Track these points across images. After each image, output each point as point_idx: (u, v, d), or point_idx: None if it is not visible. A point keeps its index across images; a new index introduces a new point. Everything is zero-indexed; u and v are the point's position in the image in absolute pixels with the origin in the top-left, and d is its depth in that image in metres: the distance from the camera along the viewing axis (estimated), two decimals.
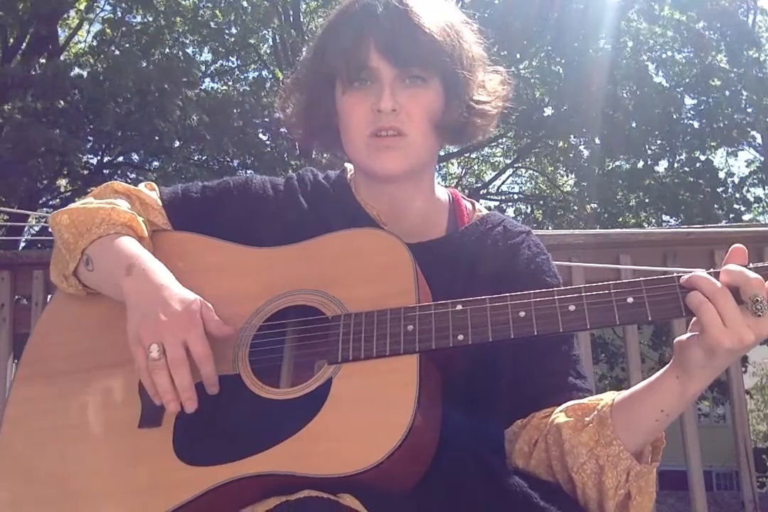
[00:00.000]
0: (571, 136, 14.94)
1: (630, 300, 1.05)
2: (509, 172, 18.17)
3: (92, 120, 11.53)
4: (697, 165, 14.83)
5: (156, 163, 13.75)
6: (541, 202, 17.53)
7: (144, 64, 12.46)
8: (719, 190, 14.85)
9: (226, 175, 1.53)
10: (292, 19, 14.87)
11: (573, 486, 1.14)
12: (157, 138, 11.83)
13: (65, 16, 14.04)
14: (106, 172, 13.81)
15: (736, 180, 15.42)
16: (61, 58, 13.09)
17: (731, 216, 14.41)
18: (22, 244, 10.89)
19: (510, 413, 1.25)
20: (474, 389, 1.20)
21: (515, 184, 18.79)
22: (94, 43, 14.24)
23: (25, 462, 1.21)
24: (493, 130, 1.40)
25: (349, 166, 1.45)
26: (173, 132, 11.70)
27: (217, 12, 14.14)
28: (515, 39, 12.71)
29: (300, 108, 1.37)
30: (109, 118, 11.44)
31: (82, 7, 13.98)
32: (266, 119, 13.22)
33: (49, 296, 2.56)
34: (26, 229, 10.26)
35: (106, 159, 14.13)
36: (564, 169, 16.09)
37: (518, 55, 13.79)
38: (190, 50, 14.82)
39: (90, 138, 12.72)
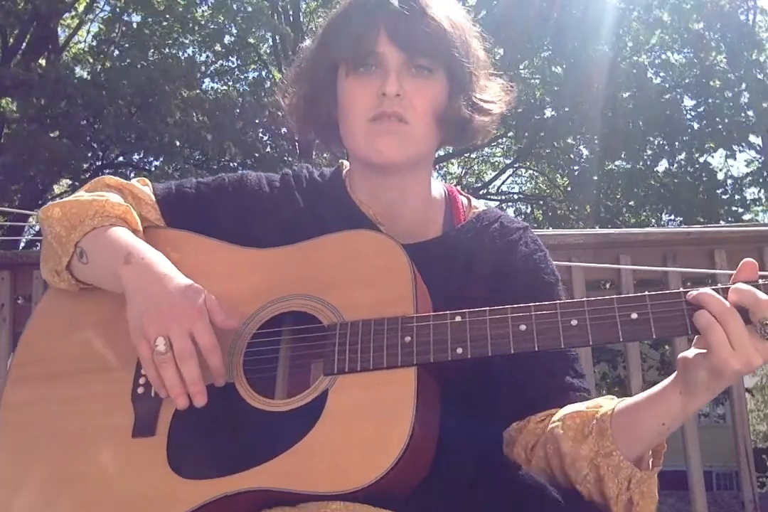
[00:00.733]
0: (571, 138, 14.93)
1: (634, 316, 1.01)
2: (509, 172, 18.18)
3: (93, 122, 11.52)
4: (696, 166, 14.82)
5: (156, 164, 13.74)
6: (541, 202, 17.53)
7: (144, 65, 12.44)
8: (718, 191, 14.84)
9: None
10: (292, 19, 14.86)
11: (579, 493, 1.13)
12: (157, 138, 11.82)
13: (65, 16, 14.03)
14: (106, 171, 13.81)
15: (736, 182, 15.40)
16: (61, 58, 13.07)
17: (730, 219, 14.39)
18: (22, 244, 10.90)
19: (508, 414, 1.24)
20: (472, 391, 1.19)
21: (515, 184, 18.81)
22: (94, 44, 14.25)
23: (16, 470, 1.17)
24: (492, 133, 1.39)
25: (345, 163, 1.43)
26: (175, 135, 11.69)
27: (213, 13, 14.14)
28: (516, 40, 12.70)
29: (300, 94, 1.35)
30: (109, 119, 11.44)
31: (81, 7, 13.98)
32: (266, 119, 13.21)
33: None
34: (26, 228, 10.27)
35: (106, 159, 14.12)
36: (564, 169, 16.07)
37: (518, 56, 13.79)
38: (189, 50, 14.84)
39: (89, 138, 12.71)
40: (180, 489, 1.05)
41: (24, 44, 13.36)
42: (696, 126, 15.09)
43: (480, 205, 1.42)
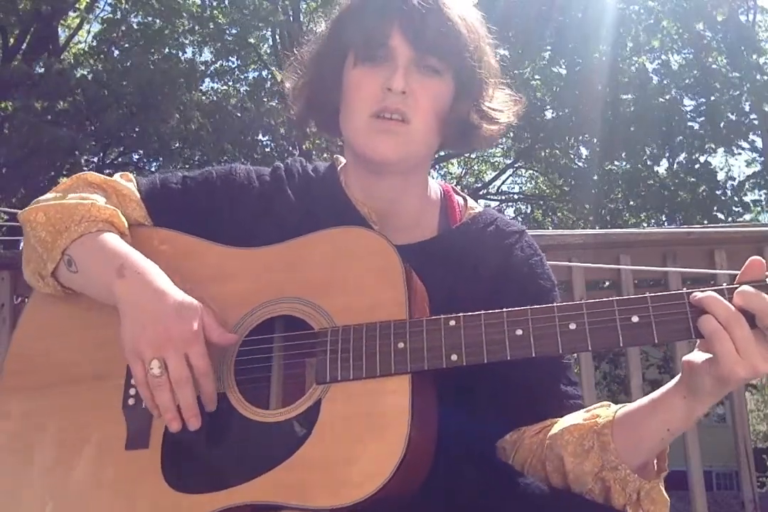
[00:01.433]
0: (572, 139, 14.92)
1: (635, 319, 0.97)
2: (509, 172, 18.17)
3: (94, 121, 11.51)
4: (696, 166, 14.80)
5: (156, 164, 13.74)
6: (541, 202, 17.53)
7: (144, 65, 12.44)
8: (718, 192, 14.82)
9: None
10: (291, 19, 14.85)
11: (583, 496, 1.11)
12: (157, 138, 11.82)
13: (65, 16, 14.03)
14: (106, 172, 13.80)
15: (735, 183, 15.38)
16: (62, 58, 13.07)
17: (729, 219, 14.38)
18: (22, 244, 10.87)
19: (502, 417, 1.22)
20: (462, 388, 1.17)
21: (515, 184, 18.80)
22: (94, 44, 14.25)
23: (10, 483, 1.15)
24: (496, 142, 1.38)
25: (340, 158, 1.40)
26: (175, 133, 11.69)
27: (217, 12, 14.13)
28: (516, 40, 12.70)
29: (306, 79, 1.33)
30: (110, 119, 11.43)
31: (82, 7, 13.98)
32: (266, 120, 13.21)
33: None
34: None
35: (106, 159, 14.12)
36: (564, 169, 16.06)
37: (520, 52, 13.77)
38: (189, 50, 14.84)
39: (92, 138, 12.71)
40: (175, 503, 1.04)
41: (24, 44, 13.36)
42: (696, 126, 15.09)
43: (476, 205, 1.40)
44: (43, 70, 11.80)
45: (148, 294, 1.10)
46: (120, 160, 14.18)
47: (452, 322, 1.04)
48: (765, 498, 3.53)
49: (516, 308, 1.03)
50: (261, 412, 1.07)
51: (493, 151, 17.68)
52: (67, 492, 1.11)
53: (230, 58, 15.39)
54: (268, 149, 13.98)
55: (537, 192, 18.04)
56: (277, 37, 14.94)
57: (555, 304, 1.03)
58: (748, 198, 15.17)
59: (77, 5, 13.74)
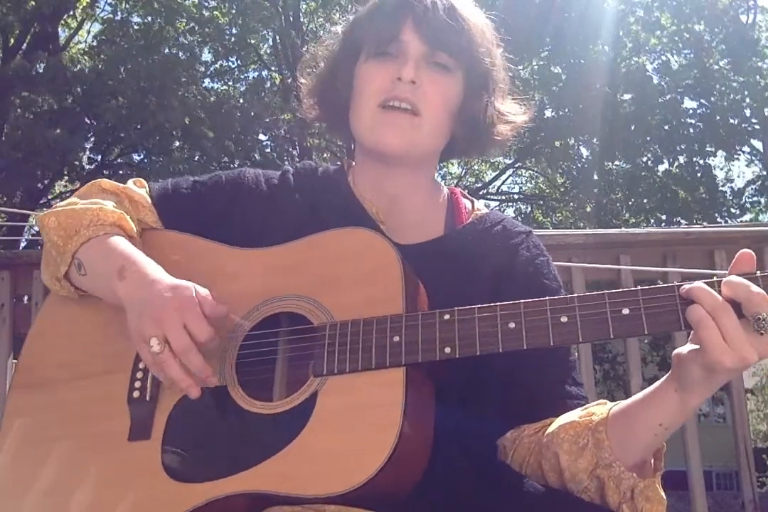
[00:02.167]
0: (572, 139, 14.93)
1: (626, 311, 0.98)
2: (509, 172, 18.19)
3: (92, 118, 11.51)
4: (696, 168, 14.80)
5: (156, 164, 13.74)
6: (541, 202, 17.54)
7: (144, 65, 12.45)
8: (717, 195, 14.82)
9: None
10: (291, 19, 14.87)
11: (579, 497, 1.11)
12: (158, 138, 11.82)
13: (66, 16, 14.04)
14: (106, 172, 13.80)
15: (735, 187, 15.38)
16: (62, 57, 13.07)
17: (728, 220, 14.38)
18: (23, 244, 10.89)
19: (504, 417, 1.22)
20: (469, 394, 1.18)
21: (515, 184, 18.82)
22: (94, 44, 14.25)
23: (18, 476, 1.19)
24: (505, 146, 1.40)
25: (350, 161, 1.42)
26: (172, 128, 11.69)
27: (217, 13, 14.14)
28: (516, 40, 12.70)
29: (319, 76, 1.36)
30: (109, 115, 11.44)
31: (82, 6, 13.99)
32: (266, 120, 13.22)
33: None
34: (26, 229, 10.25)
35: (106, 159, 14.12)
36: (563, 169, 16.07)
37: (518, 58, 13.79)
38: (189, 50, 14.82)
39: (91, 135, 12.71)
40: (173, 492, 1.06)
41: (25, 44, 13.37)
42: (696, 128, 15.08)
43: (483, 207, 1.41)
44: (42, 68, 11.79)
45: (145, 288, 1.13)
46: (120, 159, 14.17)
47: (447, 316, 1.06)
48: (765, 498, 3.53)
49: (509, 302, 1.05)
50: (259, 404, 1.09)
51: (500, 149, 17.67)
52: (72, 483, 1.14)
53: (230, 58, 15.40)
54: (268, 149, 13.99)
55: (537, 192, 18.05)
56: (277, 37, 14.94)
57: (547, 298, 1.04)
58: (748, 202, 15.17)
59: (77, 5, 13.75)
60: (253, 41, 15.19)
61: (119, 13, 13.86)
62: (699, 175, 14.69)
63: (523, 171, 18.22)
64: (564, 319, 1.01)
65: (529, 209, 17.87)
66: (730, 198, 15.07)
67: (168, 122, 11.77)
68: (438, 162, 1.41)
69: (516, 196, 18.50)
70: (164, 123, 11.69)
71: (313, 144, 13.34)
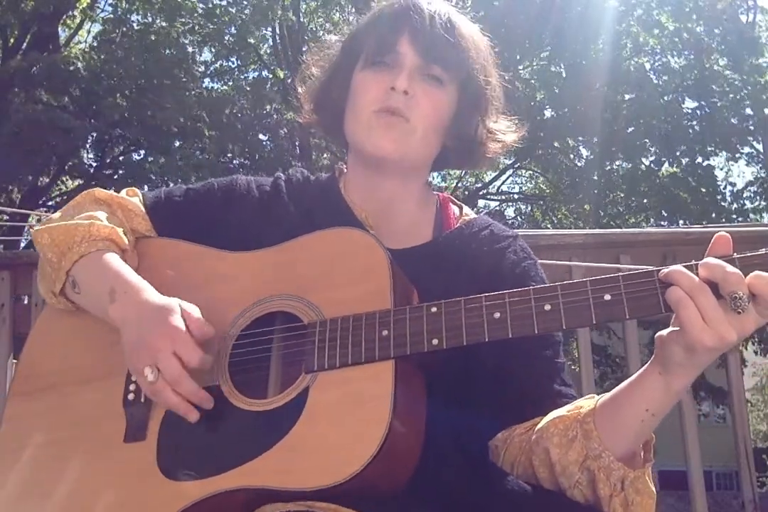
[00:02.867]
0: (571, 140, 14.94)
1: (607, 297, 1.00)
2: (509, 172, 18.18)
3: (92, 117, 11.51)
4: (698, 171, 14.78)
5: (156, 164, 13.74)
6: (541, 202, 17.54)
7: (144, 65, 12.45)
8: (718, 197, 14.81)
9: (227, 175, 1.51)
10: (292, 19, 14.86)
11: (569, 497, 1.12)
12: (158, 137, 11.82)
13: (66, 16, 14.05)
14: (106, 172, 13.81)
15: (735, 189, 15.36)
16: (62, 56, 13.07)
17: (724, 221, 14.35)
18: (22, 244, 10.90)
19: (495, 416, 1.23)
20: (456, 384, 1.19)
21: (515, 184, 18.82)
22: (95, 44, 14.26)
23: (18, 479, 1.21)
24: (496, 163, 1.42)
25: (342, 167, 1.45)
26: (172, 127, 11.69)
27: (217, 12, 14.14)
28: (515, 40, 12.71)
29: (317, 83, 1.39)
30: (108, 113, 11.45)
31: (82, 7, 13.99)
32: (266, 120, 13.22)
33: None
34: (26, 228, 10.25)
35: (106, 159, 14.13)
36: (563, 169, 16.07)
37: (518, 57, 13.80)
38: (189, 50, 14.83)
39: (90, 135, 12.71)
40: (167, 491, 1.07)
41: (25, 44, 13.38)
42: (697, 128, 15.08)
43: (471, 213, 1.43)
44: (41, 68, 11.78)
45: (134, 311, 1.16)
46: (121, 159, 14.17)
47: (434, 309, 1.08)
48: (765, 498, 3.53)
49: (494, 293, 1.06)
50: (252, 402, 1.11)
51: (491, 163, 17.66)
52: (68, 485, 1.15)
53: (230, 58, 15.41)
54: (268, 149, 13.99)
55: (537, 192, 18.05)
56: (277, 37, 14.95)
57: (531, 288, 1.06)
58: (749, 203, 15.16)
59: (78, 5, 13.76)
60: (253, 41, 15.19)
61: (119, 12, 13.86)
62: (699, 175, 14.68)
63: (523, 171, 18.21)
64: (548, 307, 1.03)
65: (529, 209, 17.88)
66: (730, 199, 15.07)
67: (168, 122, 11.77)
68: (430, 171, 1.43)
69: (516, 196, 18.51)
70: (164, 122, 11.69)
71: (313, 144, 13.34)
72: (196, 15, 13.93)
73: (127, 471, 1.12)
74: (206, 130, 12.37)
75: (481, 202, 17.39)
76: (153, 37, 13.42)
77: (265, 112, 13.31)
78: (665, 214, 15.14)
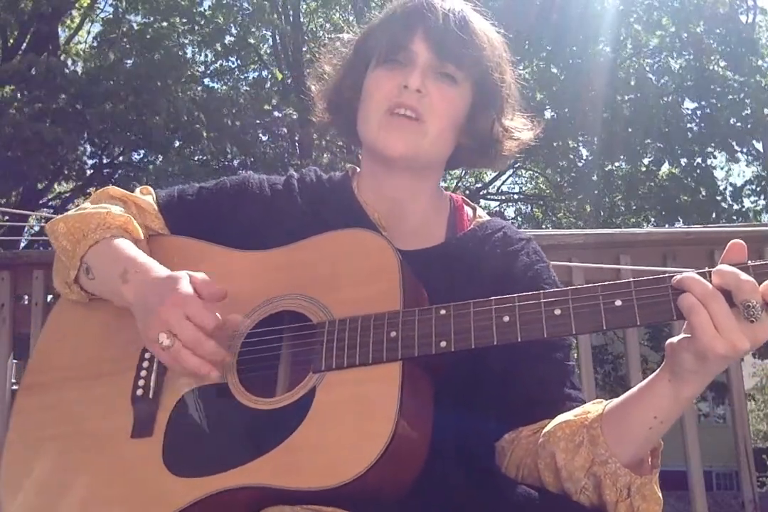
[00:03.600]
0: (570, 141, 14.92)
1: (618, 303, 0.99)
2: (509, 172, 18.17)
3: (90, 117, 11.50)
4: (698, 171, 14.77)
5: (156, 163, 13.73)
6: (541, 202, 17.53)
7: (143, 65, 12.44)
8: (718, 198, 14.79)
9: (226, 175, 1.52)
10: (292, 19, 14.86)
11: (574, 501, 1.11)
12: (157, 137, 11.81)
13: (66, 16, 14.04)
14: (106, 172, 13.80)
15: (735, 189, 15.33)
16: (61, 57, 13.07)
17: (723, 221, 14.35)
18: (22, 244, 10.89)
19: (502, 419, 1.23)
20: (465, 387, 1.18)
21: (515, 184, 18.80)
22: (95, 44, 14.25)
23: (25, 472, 1.21)
24: (509, 161, 1.42)
25: (355, 167, 1.44)
26: (172, 127, 11.69)
27: (217, 13, 14.13)
28: (515, 40, 12.70)
29: (330, 81, 1.39)
30: (107, 113, 11.44)
31: (82, 8, 13.99)
32: (266, 120, 13.21)
33: (50, 296, 2.57)
34: (26, 229, 10.26)
35: (105, 159, 14.11)
36: (563, 169, 16.06)
37: (518, 57, 13.79)
38: (189, 50, 14.84)
39: (89, 135, 12.70)
40: (172, 487, 1.07)
41: (25, 44, 13.37)
42: (696, 129, 15.07)
43: (485, 215, 1.43)
44: (41, 68, 11.77)
45: (146, 288, 1.16)
46: (121, 159, 14.16)
47: (443, 311, 1.07)
48: (765, 498, 3.53)
49: (504, 296, 1.06)
50: (259, 401, 1.11)
51: (506, 162, 17.63)
52: (75, 479, 1.16)
53: (230, 57, 15.40)
54: (268, 149, 13.98)
55: (537, 192, 18.04)
56: (277, 37, 14.94)
57: (541, 292, 1.05)
58: (747, 202, 15.15)
59: (78, 5, 13.75)
60: (253, 41, 15.18)
61: (119, 12, 13.85)
62: (699, 175, 14.67)
63: (523, 171, 18.20)
64: (557, 312, 1.02)
65: (529, 209, 17.87)
66: (730, 199, 15.05)
67: (167, 122, 11.76)
68: (444, 170, 1.43)
69: (516, 196, 18.50)
70: (163, 122, 11.68)
71: (313, 144, 13.34)
72: (195, 14, 13.91)
73: (132, 466, 1.13)
74: (205, 131, 12.36)
75: (481, 202, 17.37)
76: (152, 37, 13.41)
77: (264, 111, 13.30)
78: (665, 214, 15.12)
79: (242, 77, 15.86)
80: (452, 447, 1.13)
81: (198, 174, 11.24)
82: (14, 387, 2.55)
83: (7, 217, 11.77)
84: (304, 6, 15.65)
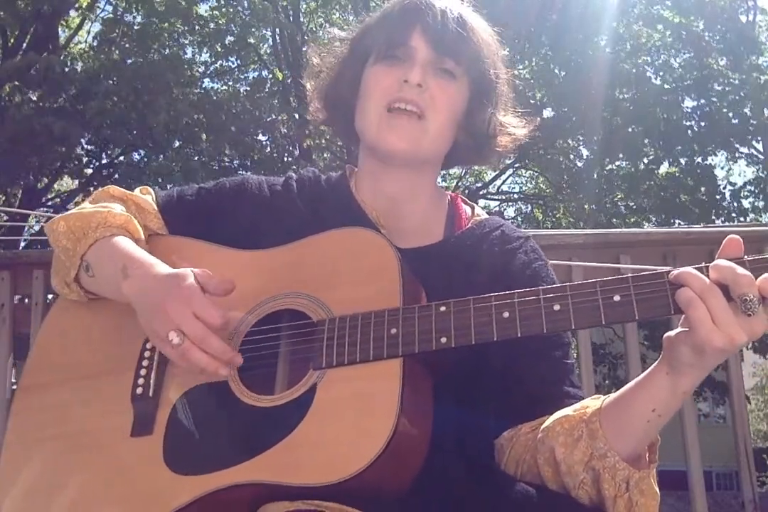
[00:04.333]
0: (571, 139, 14.92)
1: (617, 298, 1.01)
2: (509, 172, 18.17)
3: (90, 117, 11.50)
4: (698, 171, 14.77)
5: (156, 164, 13.72)
6: (541, 202, 17.53)
7: (143, 64, 12.44)
8: (717, 197, 14.80)
9: (225, 176, 1.52)
10: (292, 19, 14.86)
11: (572, 498, 1.12)
12: (157, 137, 11.82)
13: (66, 15, 14.04)
14: (105, 172, 13.80)
15: (735, 188, 15.33)
16: (61, 57, 13.06)
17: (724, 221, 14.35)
18: (22, 244, 10.89)
19: (502, 416, 1.23)
20: (465, 385, 1.19)
21: (515, 184, 18.81)
22: (95, 44, 14.25)
23: (24, 472, 1.21)
24: (504, 157, 1.43)
25: (353, 167, 1.44)
26: (171, 127, 11.68)
27: (217, 12, 14.14)
28: (515, 40, 12.71)
29: (327, 79, 1.39)
30: (107, 113, 11.45)
31: (82, 8, 13.98)
32: (265, 120, 13.21)
33: (50, 296, 2.56)
34: (26, 228, 10.27)
35: (106, 159, 14.11)
36: (563, 168, 16.06)
37: (518, 56, 13.79)
38: (189, 50, 14.84)
39: (88, 135, 12.71)
40: (173, 485, 1.08)
41: (25, 44, 13.37)
42: (696, 128, 15.07)
43: (483, 213, 1.43)
44: (40, 68, 11.77)
45: (148, 284, 1.16)
46: (121, 158, 14.16)
47: (443, 308, 1.08)
48: (765, 498, 3.53)
49: (503, 293, 1.07)
50: (260, 398, 1.12)
51: (501, 158, 17.63)
52: (75, 477, 1.16)
53: (230, 57, 15.39)
54: (267, 150, 13.97)
55: (537, 192, 18.04)
56: (277, 37, 14.94)
57: (540, 288, 1.06)
58: (746, 202, 15.15)
59: (77, 5, 13.74)
60: (253, 41, 15.18)
61: (119, 13, 13.85)
62: (698, 175, 14.67)
63: (523, 171, 18.20)
64: (557, 307, 1.03)
65: (529, 209, 17.86)
66: (730, 199, 15.06)
67: (167, 122, 11.76)
68: (440, 169, 1.44)
69: (516, 196, 18.50)
70: (163, 122, 11.68)
71: (313, 144, 13.34)
72: (195, 17, 13.92)
73: (133, 464, 1.13)
74: (204, 131, 12.36)
75: (481, 202, 17.36)
76: (152, 37, 13.41)
77: (264, 111, 13.30)
78: (664, 214, 15.12)
79: (242, 77, 15.86)
80: (452, 444, 1.14)
81: (198, 174, 11.24)
82: (14, 387, 2.55)
83: (6, 217, 11.77)
84: (304, 6, 15.65)
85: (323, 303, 1.15)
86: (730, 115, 14.42)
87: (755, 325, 0.96)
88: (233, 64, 15.73)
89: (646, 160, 15.37)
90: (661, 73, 15.19)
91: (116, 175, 13.39)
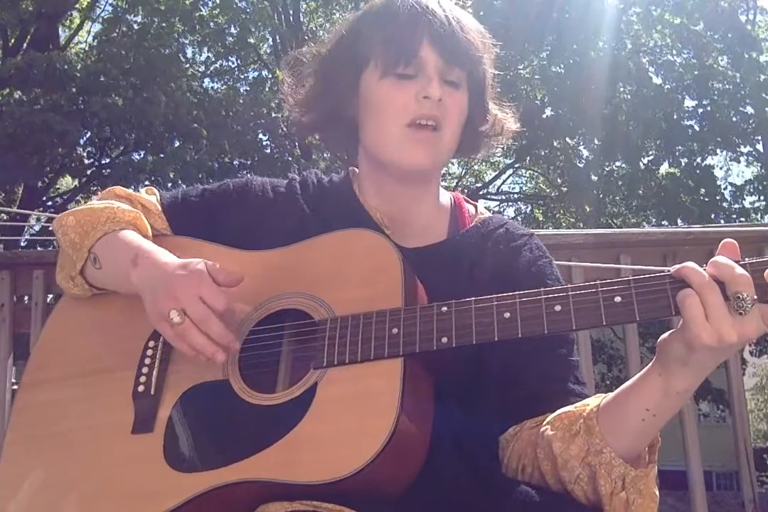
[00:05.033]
0: (570, 138, 14.92)
1: (618, 299, 1.01)
2: (509, 172, 18.18)
3: (90, 117, 11.50)
4: (698, 171, 14.77)
5: (155, 163, 13.71)
6: (541, 202, 17.54)
7: (143, 64, 12.44)
8: (717, 198, 14.79)
9: (225, 176, 1.52)
10: (291, 19, 14.86)
11: (570, 497, 1.12)
12: (157, 137, 11.82)
13: (66, 16, 14.04)
14: (105, 172, 13.79)
15: (735, 189, 15.33)
16: (60, 57, 13.06)
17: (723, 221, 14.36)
18: (23, 244, 10.89)
19: (505, 414, 1.23)
20: (463, 386, 1.19)
21: (515, 184, 18.82)
22: (95, 44, 14.25)
23: (25, 469, 1.22)
24: (495, 148, 1.43)
25: (354, 169, 1.43)
26: (172, 127, 11.68)
27: (217, 12, 14.14)
28: (515, 39, 12.70)
29: (317, 90, 1.34)
30: (106, 113, 11.45)
31: (82, 8, 13.98)
32: (266, 119, 13.20)
33: (50, 296, 2.57)
34: (26, 228, 10.26)
35: (105, 159, 14.11)
36: (563, 169, 16.06)
37: (519, 56, 13.79)
38: (189, 50, 14.85)
39: (88, 135, 12.71)
40: (173, 482, 1.08)
41: (25, 44, 13.37)
42: (696, 127, 15.07)
43: (486, 211, 1.43)
44: (40, 68, 11.77)
45: (158, 271, 1.17)
46: (122, 158, 14.15)
47: (444, 308, 1.08)
48: (765, 498, 3.53)
49: (505, 293, 1.07)
50: (261, 396, 1.12)
51: (493, 151, 17.63)
52: (75, 474, 1.17)
53: (230, 57, 15.40)
54: (267, 150, 13.97)
55: (537, 192, 18.04)
56: (277, 37, 14.94)
57: (541, 289, 1.06)
58: (747, 203, 15.14)
59: (78, 5, 13.75)
60: (253, 41, 15.18)
61: (119, 12, 13.85)
62: (698, 175, 14.66)
63: (523, 171, 18.21)
64: (558, 308, 1.03)
65: (529, 209, 17.87)
66: (730, 199, 15.05)
67: (167, 122, 11.76)
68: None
69: (516, 196, 18.50)
70: (163, 122, 11.68)
71: (313, 144, 13.34)
72: (195, 18, 13.92)
73: (134, 461, 1.14)
74: (204, 131, 12.36)
75: (481, 202, 17.36)
76: (152, 37, 13.41)
77: (264, 111, 13.30)
78: (664, 214, 15.12)
79: (242, 77, 15.86)
80: (452, 443, 1.14)
81: (198, 174, 11.24)
82: (14, 387, 2.55)
83: (6, 217, 11.78)
84: (304, 6, 15.66)
85: (325, 303, 1.15)
86: (731, 113, 14.41)
87: (746, 326, 0.96)
88: (233, 64, 15.74)
89: (646, 160, 15.37)
90: (662, 72, 15.18)
91: (116, 175, 13.39)
